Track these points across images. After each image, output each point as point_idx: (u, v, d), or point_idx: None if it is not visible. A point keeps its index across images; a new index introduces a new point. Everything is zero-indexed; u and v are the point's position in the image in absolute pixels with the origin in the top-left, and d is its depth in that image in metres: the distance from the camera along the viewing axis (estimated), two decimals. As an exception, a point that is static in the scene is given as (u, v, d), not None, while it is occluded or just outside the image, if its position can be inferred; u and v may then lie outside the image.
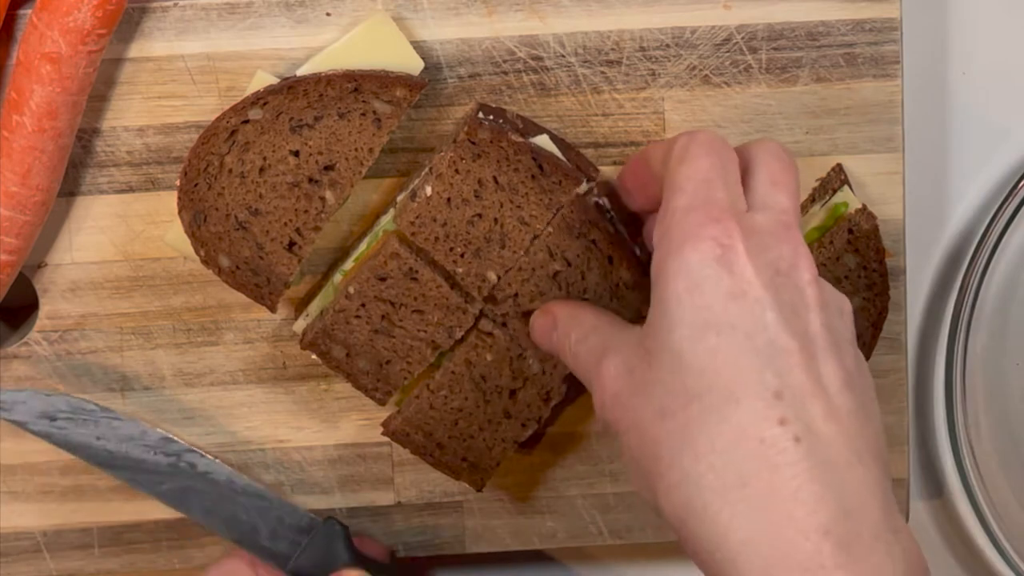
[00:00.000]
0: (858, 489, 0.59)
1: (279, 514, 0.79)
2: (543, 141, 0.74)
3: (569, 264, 0.75)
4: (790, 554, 0.57)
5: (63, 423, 0.78)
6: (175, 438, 0.79)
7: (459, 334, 0.77)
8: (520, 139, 0.73)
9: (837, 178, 0.78)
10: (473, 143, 0.73)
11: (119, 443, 0.78)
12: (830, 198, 0.78)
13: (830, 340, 0.62)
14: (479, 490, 0.80)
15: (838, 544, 0.58)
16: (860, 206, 0.77)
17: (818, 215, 0.78)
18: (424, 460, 0.79)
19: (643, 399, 0.62)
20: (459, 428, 0.78)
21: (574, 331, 0.70)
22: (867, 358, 0.79)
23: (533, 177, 0.74)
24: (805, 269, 0.62)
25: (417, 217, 0.75)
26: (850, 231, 0.77)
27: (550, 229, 0.74)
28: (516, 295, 0.76)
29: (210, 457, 0.79)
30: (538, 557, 0.86)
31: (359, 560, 0.79)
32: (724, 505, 0.59)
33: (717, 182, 0.63)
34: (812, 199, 0.79)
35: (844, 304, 0.65)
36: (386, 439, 0.79)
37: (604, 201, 0.75)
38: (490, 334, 0.77)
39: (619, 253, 0.75)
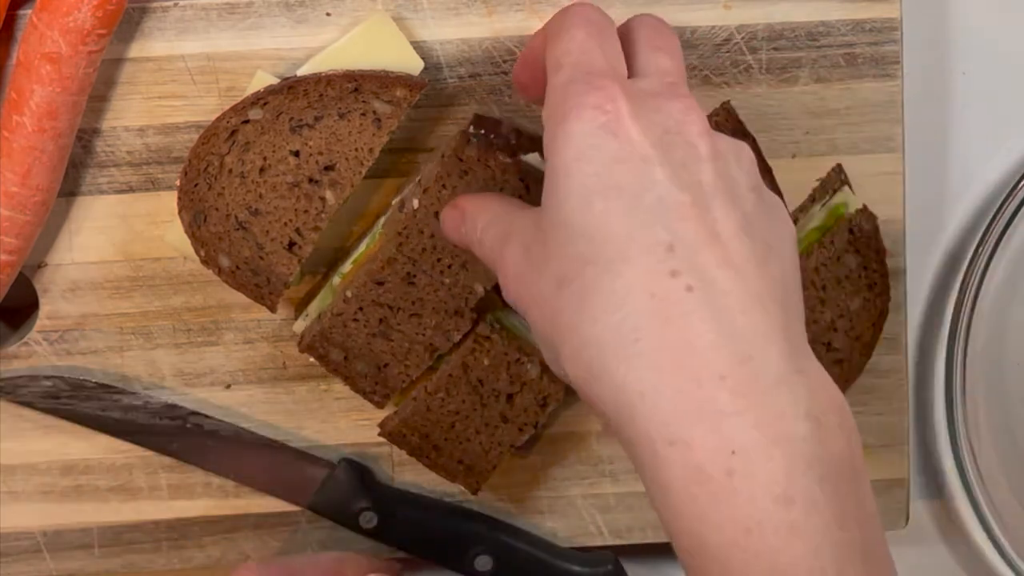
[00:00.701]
0: (756, 333, 0.58)
1: (292, 458, 0.80)
2: (534, 159, 0.74)
3: None
4: (686, 403, 0.56)
5: (67, 400, 0.78)
6: (178, 404, 0.80)
7: (457, 338, 0.77)
8: (508, 159, 0.73)
9: (837, 178, 0.78)
10: (460, 159, 0.73)
11: (124, 412, 0.79)
12: (830, 198, 0.78)
13: (724, 188, 0.60)
14: (475, 493, 0.80)
15: (735, 389, 0.56)
16: (861, 206, 0.77)
17: (818, 215, 0.78)
18: (420, 462, 0.79)
19: (540, 274, 0.61)
20: (455, 431, 0.78)
21: (480, 219, 0.68)
22: (868, 357, 0.79)
23: (520, 197, 0.73)
24: (694, 123, 0.61)
25: (405, 228, 0.75)
26: (851, 231, 0.77)
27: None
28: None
29: (215, 418, 0.80)
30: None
31: (376, 499, 0.80)
32: (620, 362, 0.57)
33: (595, 51, 0.62)
34: (812, 199, 0.79)
35: (742, 151, 0.63)
36: (386, 439, 0.80)
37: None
38: (488, 338, 0.77)
39: (763, 165, 0.75)
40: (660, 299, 0.57)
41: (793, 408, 0.56)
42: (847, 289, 0.77)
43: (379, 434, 0.79)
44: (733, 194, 0.60)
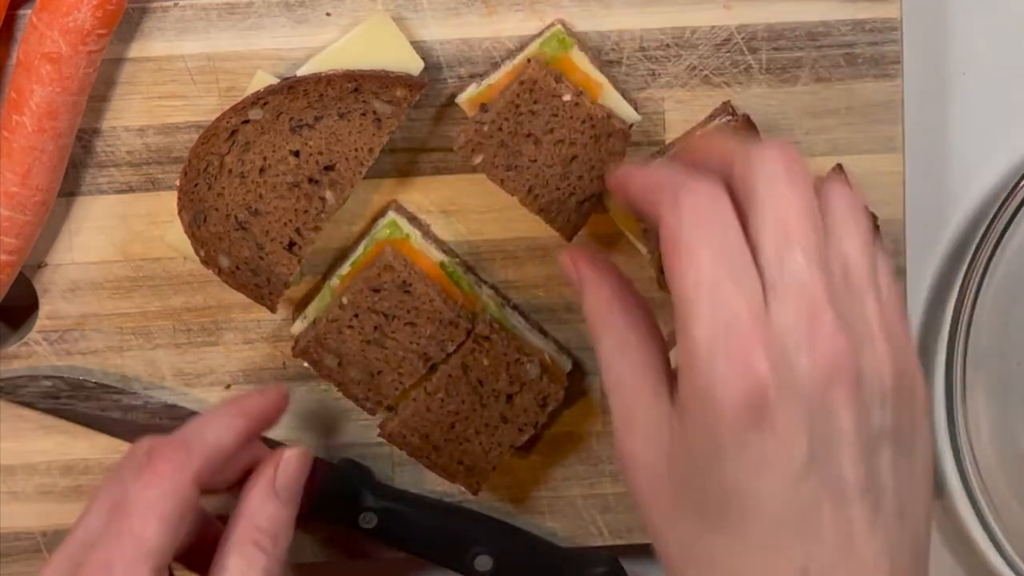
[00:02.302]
0: None
1: None
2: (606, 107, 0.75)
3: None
4: None
5: (67, 400, 0.78)
6: (178, 404, 0.79)
7: (451, 348, 0.77)
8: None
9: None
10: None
11: (124, 412, 0.79)
12: None
13: (862, 485, 0.59)
14: (475, 493, 0.80)
15: None
16: None
17: None
18: (420, 462, 0.79)
19: (672, 522, 0.61)
20: (455, 431, 0.78)
21: (601, 333, 0.65)
22: None
23: (583, 145, 0.74)
24: (838, 389, 0.58)
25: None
26: None
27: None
28: None
29: None
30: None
31: (376, 499, 0.80)
32: None
33: (728, 288, 0.58)
34: None
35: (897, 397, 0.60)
36: (386, 440, 0.80)
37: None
38: (487, 338, 0.77)
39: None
40: None
41: None
42: None
43: (379, 435, 0.79)
44: (870, 490, 0.59)
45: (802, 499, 0.58)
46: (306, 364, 0.77)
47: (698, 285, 0.58)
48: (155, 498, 0.67)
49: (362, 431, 0.81)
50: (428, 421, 0.78)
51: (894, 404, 0.60)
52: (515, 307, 0.80)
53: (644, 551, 0.85)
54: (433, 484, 0.82)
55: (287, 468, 0.72)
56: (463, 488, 0.80)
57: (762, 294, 0.58)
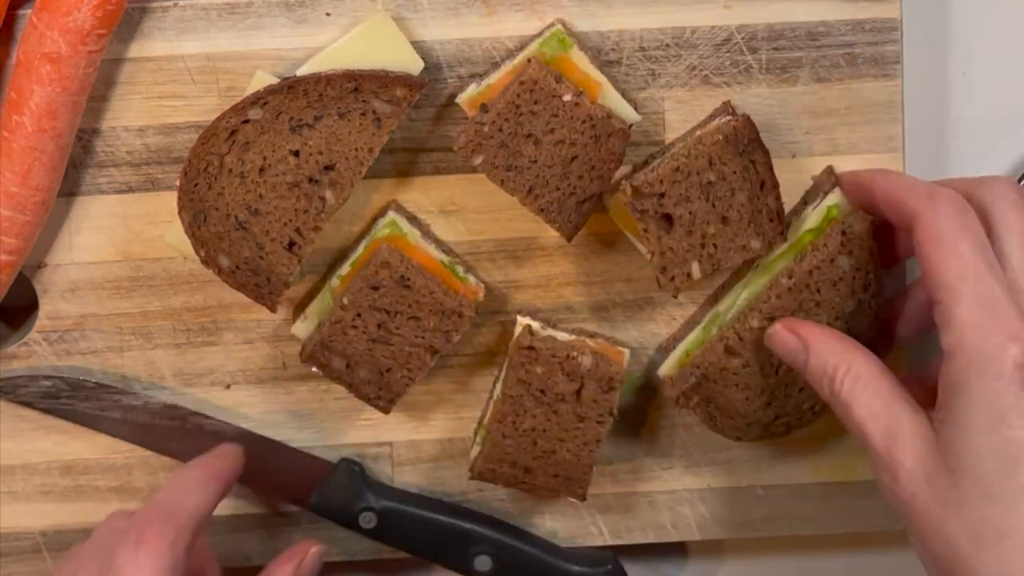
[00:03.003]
0: None
1: (292, 458, 0.80)
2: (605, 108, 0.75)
3: (723, 178, 0.75)
4: None
5: (67, 400, 0.78)
6: (178, 404, 0.79)
7: (456, 338, 0.76)
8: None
9: (828, 180, 0.78)
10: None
11: (124, 412, 0.79)
12: (821, 200, 0.77)
13: None
14: (583, 500, 0.79)
15: None
16: (852, 208, 0.77)
17: (811, 218, 0.77)
18: (520, 489, 0.79)
19: (951, 518, 0.64)
20: (539, 447, 0.78)
21: (840, 370, 0.70)
22: (887, 352, 0.79)
23: (583, 145, 0.74)
24: None
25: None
26: (843, 233, 0.76)
27: (719, 136, 0.74)
28: (663, 195, 0.74)
29: (216, 419, 0.80)
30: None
31: (376, 499, 0.80)
32: None
33: (988, 277, 0.65)
34: (804, 202, 0.78)
35: None
36: (386, 439, 0.80)
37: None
38: (531, 348, 0.76)
39: (772, 181, 0.75)
40: None
41: None
42: (841, 291, 0.76)
43: (470, 478, 0.79)
44: None
45: None
46: (314, 370, 0.77)
47: (963, 274, 0.65)
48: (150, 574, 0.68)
49: (362, 431, 0.81)
50: (510, 447, 0.78)
51: None
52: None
53: (644, 551, 0.85)
54: (434, 484, 0.82)
55: (310, 565, 0.75)
56: (572, 499, 0.80)
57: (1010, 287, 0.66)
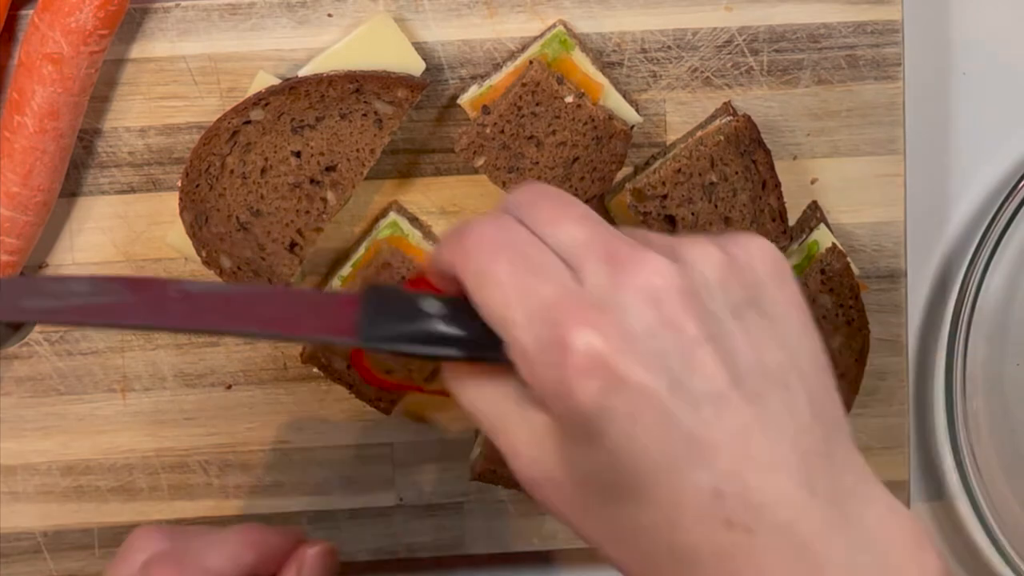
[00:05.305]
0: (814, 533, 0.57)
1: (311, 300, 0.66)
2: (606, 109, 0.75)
3: (725, 179, 0.75)
4: None
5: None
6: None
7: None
8: None
9: (813, 216, 0.78)
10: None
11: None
12: (807, 236, 0.77)
13: (728, 383, 0.57)
14: None
15: None
16: (830, 245, 0.77)
17: (795, 255, 0.77)
18: (521, 491, 0.79)
19: (586, 511, 0.60)
20: None
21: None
22: (855, 392, 0.78)
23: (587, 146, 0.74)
24: (667, 306, 0.57)
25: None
26: (822, 271, 0.77)
27: (720, 137, 0.74)
28: (665, 196, 0.74)
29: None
30: (539, 558, 0.86)
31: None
32: None
33: (531, 281, 0.57)
34: (791, 238, 0.78)
35: (717, 263, 0.58)
36: (386, 440, 0.80)
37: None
38: None
39: (773, 180, 0.75)
40: (726, 556, 0.56)
41: None
42: (825, 329, 0.76)
43: (471, 479, 0.79)
44: (741, 374, 0.57)
45: (681, 426, 0.56)
46: (315, 370, 0.77)
47: (506, 299, 0.57)
48: None
49: (363, 432, 0.81)
50: None
51: (734, 286, 0.58)
52: None
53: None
54: (434, 485, 0.82)
55: (310, 571, 0.70)
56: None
57: (571, 275, 0.57)
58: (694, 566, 0.56)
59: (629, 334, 0.56)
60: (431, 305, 0.60)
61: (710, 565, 0.56)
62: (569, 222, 0.59)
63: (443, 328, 0.60)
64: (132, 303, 0.62)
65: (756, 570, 0.56)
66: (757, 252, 0.59)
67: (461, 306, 0.59)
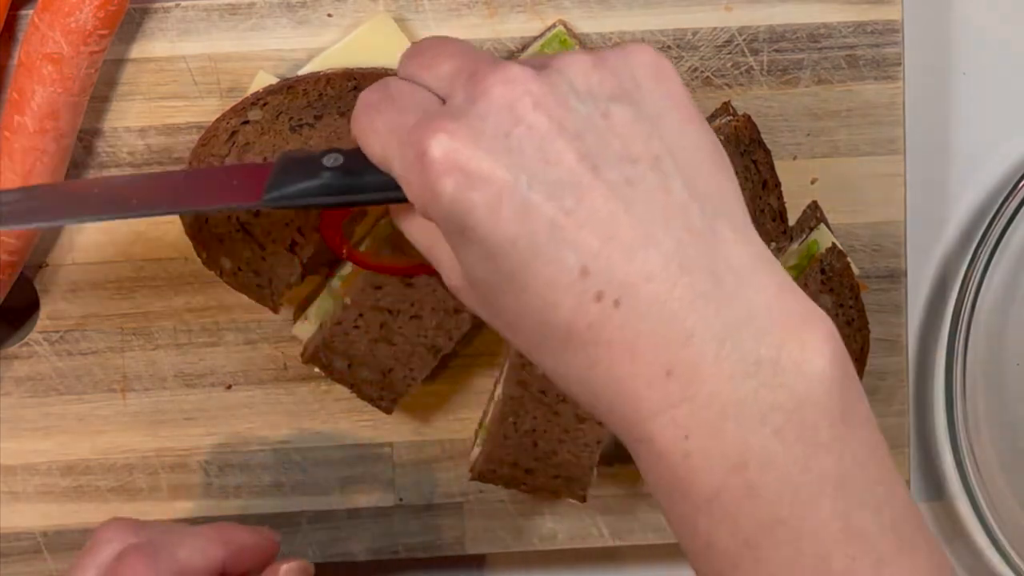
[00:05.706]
0: (687, 305, 0.57)
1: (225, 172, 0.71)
2: None
3: None
4: (644, 404, 0.58)
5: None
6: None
7: (459, 336, 0.77)
8: None
9: (813, 216, 0.78)
10: None
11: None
12: (807, 236, 0.77)
13: (596, 153, 0.58)
14: (583, 501, 0.79)
15: (682, 377, 0.57)
16: (830, 244, 0.77)
17: (794, 255, 0.77)
18: (521, 491, 0.79)
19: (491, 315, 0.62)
20: (540, 449, 0.78)
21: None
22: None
23: None
24: (515, 105, 0.58)
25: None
26: (822, 271, 0.77)
27: (720, 137, 0.73)
28: None
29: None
30: (538, 558, 0.86)
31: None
32: (574, 384, 0.60)
33: (401, 117, 0.60)
34: (790, 238, 0.78)
35: (575, 66, 0.60)
36: (387, 440, 0.80)
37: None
38: None
39: (773, 180, 0.75)
40: (597, 327, 0.58)
41: (741, 366, 0.56)
42: None
43: (471, 479, 0.79)
44: (606, 150, 0.58)
45: (542, 213, 0.57)
46: (316, 370, 0.77)
47: (382, 142, 0.61)
48: None
49: (363, 432, 0.81)
50: (510, 448, 0.77)
51: (602, 86, 0.59)
52: None
53: (645, 552, 0.85)
54: (434, 485, 0.82)
55: None
56: (572, 499, 0.79)
57: (439, 103, 0.61)
58: (569, 341, 0.58)
59: (482, 134, 0.58)
60: (333, 159, 0.64)
61: (587, 338, 0.58)
62: (441, 59, 0.62)
63: (346, 180, 0.64)
64: (56, 201, 0.69)
65: (625, 341, 0.57)
66: (635, 54, 0.61)
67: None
